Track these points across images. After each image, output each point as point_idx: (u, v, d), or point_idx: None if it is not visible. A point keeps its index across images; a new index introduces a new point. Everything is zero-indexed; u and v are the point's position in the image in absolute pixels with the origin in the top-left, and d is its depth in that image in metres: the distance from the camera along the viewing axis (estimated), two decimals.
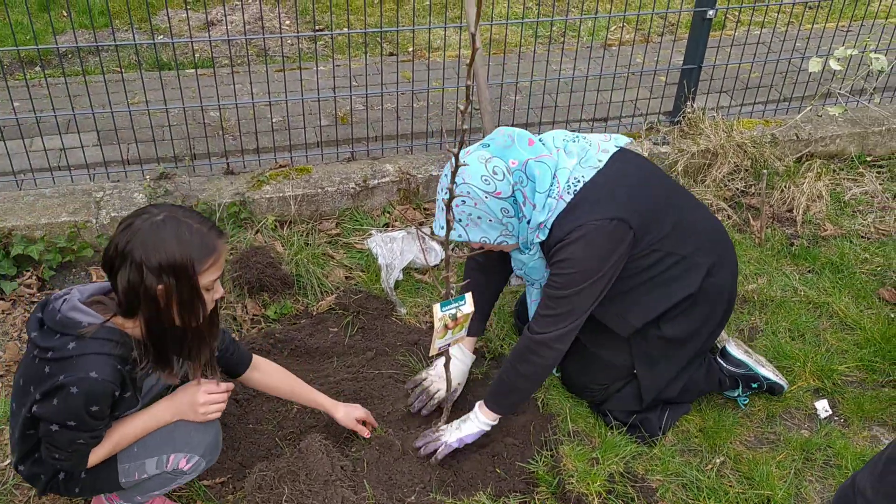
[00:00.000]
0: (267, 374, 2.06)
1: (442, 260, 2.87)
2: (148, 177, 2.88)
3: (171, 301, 1.58)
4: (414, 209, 3.08)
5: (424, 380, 2.31)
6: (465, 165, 1.88)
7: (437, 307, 1.93)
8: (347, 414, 2.14)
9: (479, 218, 1.97)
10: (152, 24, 4.03)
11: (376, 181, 3.02)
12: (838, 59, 3.09)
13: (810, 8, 4.75)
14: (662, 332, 2.13)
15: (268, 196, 2.90)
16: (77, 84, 3.29)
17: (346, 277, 2.78)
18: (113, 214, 2.72)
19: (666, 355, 2.17)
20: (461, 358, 2.32)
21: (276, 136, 3.15)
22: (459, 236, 1.99)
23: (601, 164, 2.00)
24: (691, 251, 2.07)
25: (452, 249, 2.90)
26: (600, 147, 2.05)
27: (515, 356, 2.06)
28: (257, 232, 2.86)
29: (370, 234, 2.93)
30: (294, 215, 2.93)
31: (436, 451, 2.10)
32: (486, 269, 2.32)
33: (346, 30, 4.14)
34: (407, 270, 2.81)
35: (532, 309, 2.25)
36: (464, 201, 1.95)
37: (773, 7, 4.48)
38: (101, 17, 4.09)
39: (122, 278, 1.55)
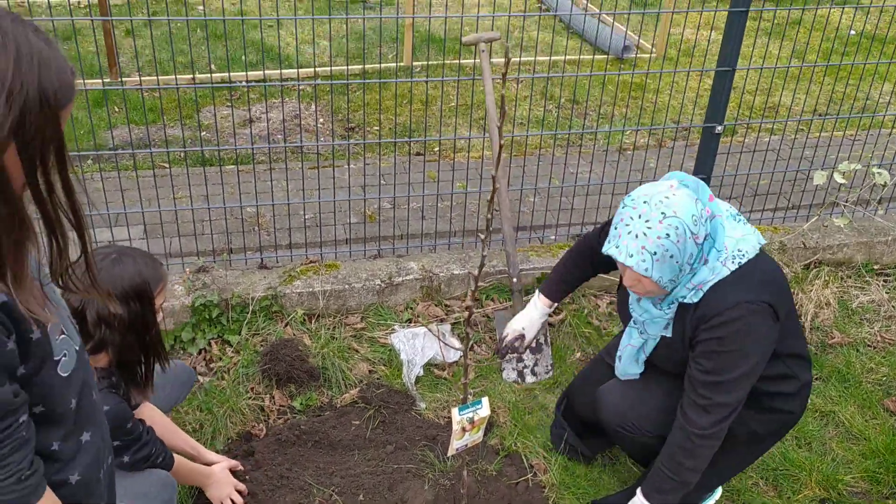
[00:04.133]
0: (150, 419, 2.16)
1: (461, 358, 3.01)
2: (188, 270, 3.08)
3: (137, 323, 1.89)
4: (436, 306, 3.23)
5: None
6: (673, 196, 1.86)
7: (455, 411, 2.06)
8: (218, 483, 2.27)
9: (671, 257, 1.87)
10: (199, 120, 4.32)
11: (401, 278, 3.19)
12: (842, 172, 3.26)
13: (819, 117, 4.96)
14: (751, 427, 2.13)
15: (298, 291, 3.07)
16: (127, 178, 3.53)
17: (370, 371, 2.92)
18: None
19: (748, 444, 2.17)
20: (536, 312, 2.51)
21: (307, 233, 3.35)
22: (646, 270, 1.88)
23: (759, 247, 2.00)
24: (798, 371, 2.11)
25: (470, 348, 3.04)
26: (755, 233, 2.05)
27: (678, 451, 2.00)
28: (287, 325, 3.02)
29: (393, 330, 3.08)
30: (322, 309, 3.10)
31: None
32: (590, 257, 2.39)
33: (376, 131, 4.41)
34: (428, 366, 2.94)
35: (624, 353, 2.20)
36: (668, 235, 1.85)
37: (781, 115, 4.69)
38: (151, 113, 4.39)
39: (90, 314, 1.84)
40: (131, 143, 3.15)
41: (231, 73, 4.42)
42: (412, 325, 3.13)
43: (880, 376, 2.93)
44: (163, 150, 3.77)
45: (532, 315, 2.51)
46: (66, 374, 1.21)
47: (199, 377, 2.82)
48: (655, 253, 1.85)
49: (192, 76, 4.30)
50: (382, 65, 5.10)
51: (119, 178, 3.18)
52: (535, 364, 2.94)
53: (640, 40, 5.81)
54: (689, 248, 1.88)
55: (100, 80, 4.17)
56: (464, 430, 2.11)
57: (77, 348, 1.26)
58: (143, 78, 4.54)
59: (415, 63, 5.33)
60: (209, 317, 2.95)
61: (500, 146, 1.57)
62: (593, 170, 3.72)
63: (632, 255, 1.86)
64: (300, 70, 4.95)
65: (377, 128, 4.52)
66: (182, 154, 3.94)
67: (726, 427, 1.97)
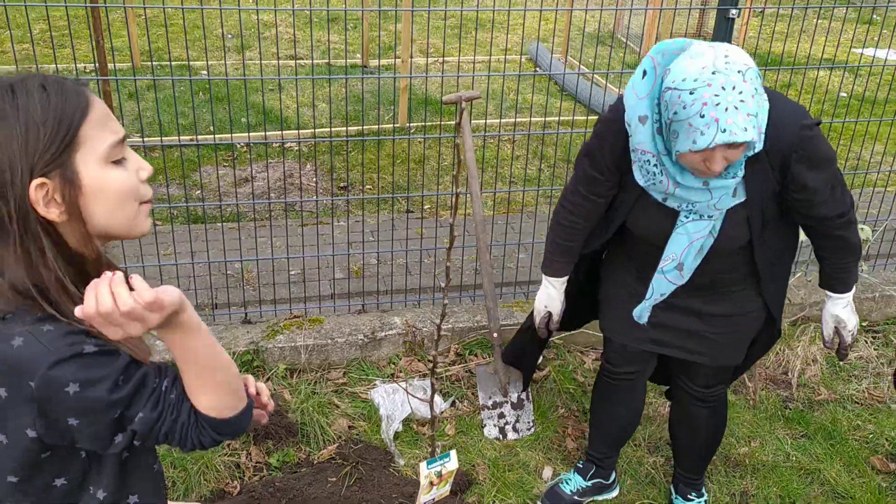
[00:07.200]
0: None
1: (443, 412, 2.98)
2: None
3: None
4: (419, 361, 3.22)
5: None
6: (728, 50, 1.71)
7: (423, 465, 2.04)
8: None
9: (756, 116, 1.72)
10: (195, 180, 4.41)
11: (384, 333, 3.19)
12: None
13: None
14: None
15: (280, 345, 3.07)
16: None
17: (349, 427, 2.89)
18: None
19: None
20: (553, 289, 2.32)
21: (293, 289, 3.37)
22: (753, 138, 1.70)
23: None
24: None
25: (452, 404, 3.01)
26: None
27: (850, 238, 2.02)
28: (268, 380, 3.01)
29: (375, 385, 3.06)
30: (304, 364, 3.09)
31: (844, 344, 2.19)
32: (592, 220, 2.19)
33: (366, 190, 4.48)
34: (407, 422, 2.91)
35: (689, 252, 1.97)
36: (756, 90, 1.71)
37: None
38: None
39: None
40: None
41: (217, 135, 4.52)
42: (395, 380, 3.11)
43: (867, 433, 2.87)
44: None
45: (549, 293, 2.32)
46: None
47: None
48: (757, 115, 1.70)
49: (177, 136, 4.41)
50: (379, 125, 5.21)
51: None
52: (517, 420, 2.91)
53: None
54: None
55: None
56: (431, 484, 2.08)
57: None
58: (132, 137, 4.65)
59: (411, 124, 5.44)
60: None
61: (457, 196, 1.61)
62: None
63: (745, 129, 1.66)
64: (300, 131, 5.06)
65: (370, 187, 4.59)
66: (172, 211, 4.00)
67: None
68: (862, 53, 7.10)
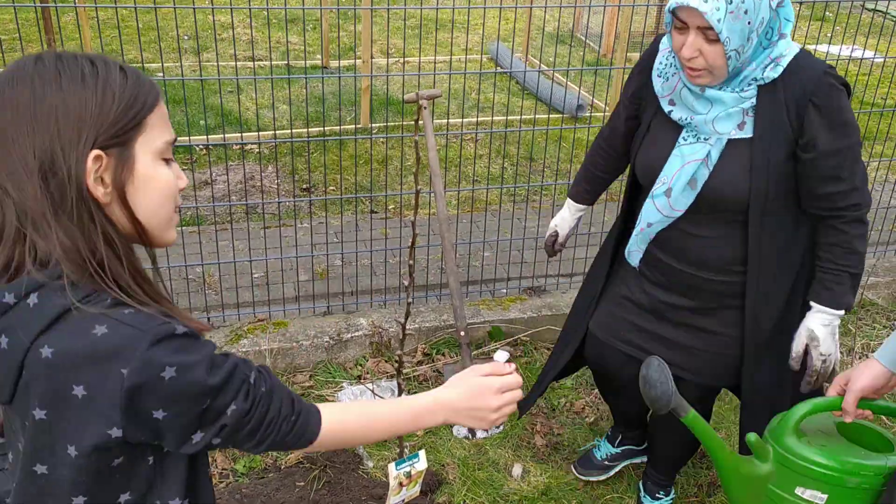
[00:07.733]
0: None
1: None
2: None
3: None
4: (386, 362, 3.20)
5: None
6: None
7: (391, 466, 2.02)
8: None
9: (745, 13, 1.69)
10: None
11: (350, 335, 3.16)
12: None
13: None
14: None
15: (244, 350, 3.03)
16: None
17: None
18: None
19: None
20: (568, 212, 2.44)
21: (256, 292, 3.32)
22: (718, 21, 1.67)
23: None
24: None
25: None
26: None
27: (857, 242, 1.85)
28: None
29: (342, 387, 3.03)
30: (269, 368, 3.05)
31: (825, 371, 1.92)
32: (615, 147, 2.27)
33: (329, 192, 4.44)
34: None
35: (679, 177, 1.89)
36: None
37: None
38: None
39: None
40: None
41: (181, 137, 4.43)
42: (363, 381, 3.08)
43: None
44: None
45: (563, 214, 2.45)
46: None
47: None
48: (733, 2, 1.66)
49: None
50: (340, 126, 5.17)
51: None
52: None
53: (594, 99, 5.96)
54: (763, 9, 1.71)
55: None
56: (401, 485, 2.06)
57: None
58: None
59: (373, 125, 5.41)
60: None
61: (417, 193, 1.60)
62: (546, 223, 3.76)
63: (706, 1, 1.65)
64: (260, 132, 4.99)
65: (333, 188, 4.55)
66: None
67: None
68: (815, 49, 7.26)
